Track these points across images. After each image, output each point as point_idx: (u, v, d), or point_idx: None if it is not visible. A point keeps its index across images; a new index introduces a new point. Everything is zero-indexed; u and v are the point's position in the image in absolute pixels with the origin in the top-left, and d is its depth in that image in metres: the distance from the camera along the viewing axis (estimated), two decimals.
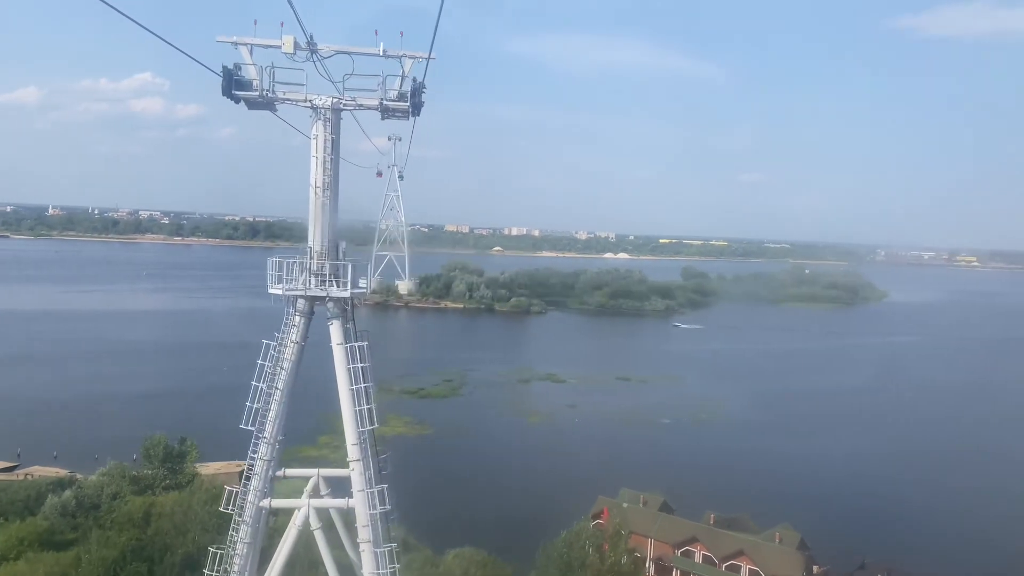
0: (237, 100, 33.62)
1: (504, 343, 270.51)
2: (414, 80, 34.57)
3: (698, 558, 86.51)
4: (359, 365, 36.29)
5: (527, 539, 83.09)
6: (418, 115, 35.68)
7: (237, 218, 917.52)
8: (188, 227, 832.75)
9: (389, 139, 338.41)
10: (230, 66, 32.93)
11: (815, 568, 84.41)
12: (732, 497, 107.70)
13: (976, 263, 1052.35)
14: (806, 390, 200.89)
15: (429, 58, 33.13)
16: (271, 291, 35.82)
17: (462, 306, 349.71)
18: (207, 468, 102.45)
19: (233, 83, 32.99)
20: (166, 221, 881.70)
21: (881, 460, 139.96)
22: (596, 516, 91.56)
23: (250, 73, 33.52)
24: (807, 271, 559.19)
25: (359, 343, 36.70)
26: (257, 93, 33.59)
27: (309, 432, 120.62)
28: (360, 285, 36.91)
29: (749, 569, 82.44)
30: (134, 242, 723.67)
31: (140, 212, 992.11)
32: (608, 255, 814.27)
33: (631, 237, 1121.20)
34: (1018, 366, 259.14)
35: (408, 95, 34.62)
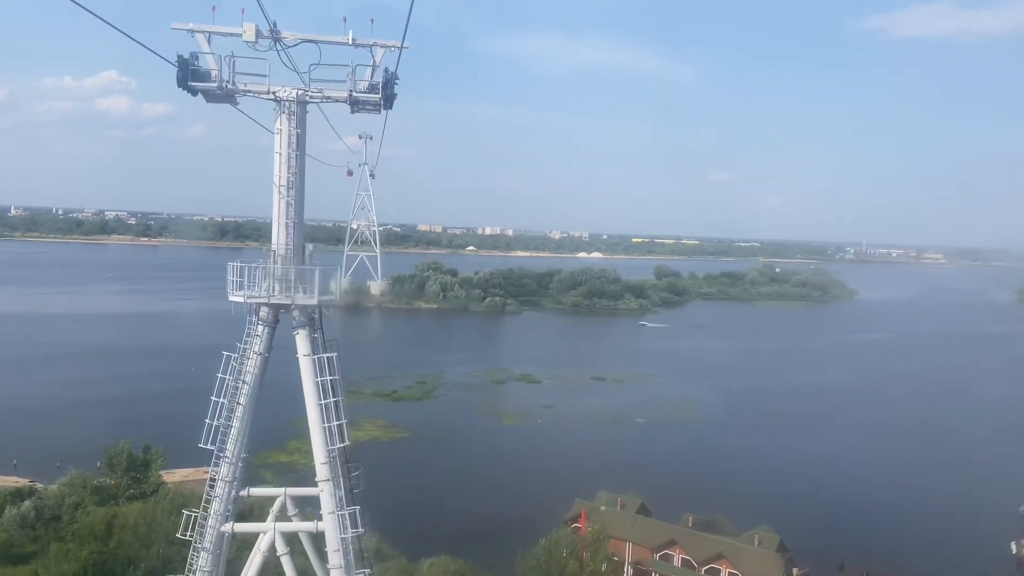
0: (195, 92, 31.39)
1: (479, 344, 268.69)
2: (386, 71, 32.41)
3: (677, 562, 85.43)
4: (328, 378, 33.64)
5: (505, 545, 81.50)
6: (390, 108, 33.46)
7: (206, 218, 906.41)
8: (155, 228, 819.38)
9: (360, 137, 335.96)
10: (186, 55, 30.68)
11: (795, 571, 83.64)
12: (710, 497, 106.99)
13: (943, 260, 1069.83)
14: (780, 388, 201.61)
15: (402, 47, 31.06)
16: (231, 298, 33.12)
17: (436, 306, 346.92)
18: (173, 475, 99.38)
19: (190, 73, 30.71)
20: (133, 221, 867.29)
21: (858, 458, 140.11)
22: (573, 520, 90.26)
23: (208, 63, 31.20)
24: (777, 269, 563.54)
25: (328, 354, 34.10)
26: (216, 84, 31.26)
27: (278, 436, 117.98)
28: (329, 291, 34.45)
29: (729, 572, 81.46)
30: (100, 243, 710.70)
31: (106, 212, 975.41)
32: (582, 254, 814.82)
33: (604, 236, 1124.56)
34: (991, 362, 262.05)
35: (379, 86, 32.40)
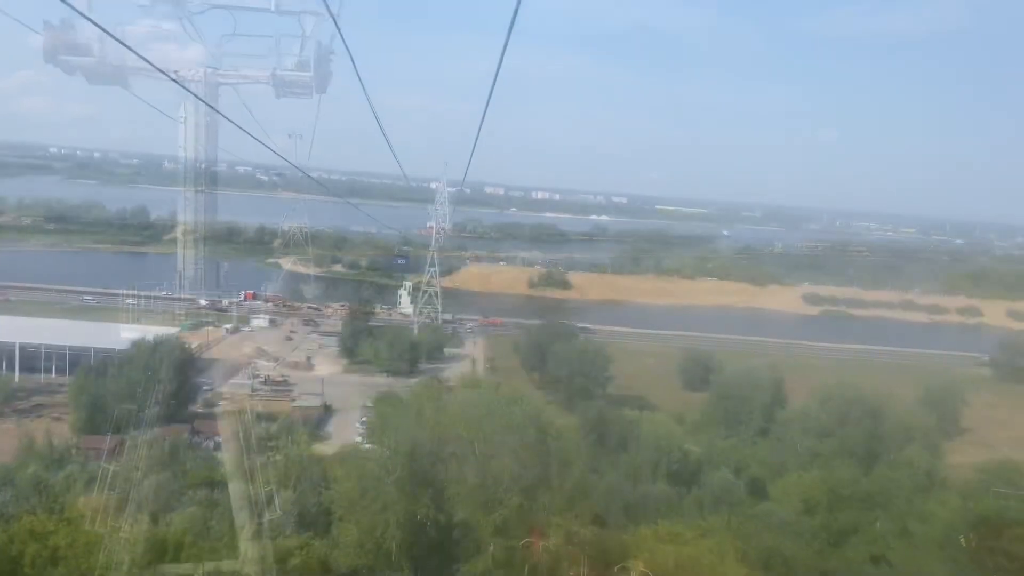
0: (71, 70, 24.63)
1: None
2: (319, 45, 25.98)
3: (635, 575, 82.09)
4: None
5: (461, 560, 76.64)
6: (324, 91, 27.13)
7: (136, 222, 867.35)
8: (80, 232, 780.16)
9: (289, 137, 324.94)
10: (57, 22, 23.74)
11: None
12: (665, 501, 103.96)
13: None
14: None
15: (338, 15, 25.22)
16: (123, 336, 26.37)
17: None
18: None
19: (62, 46, 23.94)
20: (51, 228, 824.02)
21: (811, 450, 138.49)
22: (529, 534, 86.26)
23: (89, 33, 24.42)
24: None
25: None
26: (97, 59, 24.38)
27: None
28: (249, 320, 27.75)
29: None
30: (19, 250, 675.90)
31: (22, 219, 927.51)
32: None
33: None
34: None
35: (311, 63, 26.01)
